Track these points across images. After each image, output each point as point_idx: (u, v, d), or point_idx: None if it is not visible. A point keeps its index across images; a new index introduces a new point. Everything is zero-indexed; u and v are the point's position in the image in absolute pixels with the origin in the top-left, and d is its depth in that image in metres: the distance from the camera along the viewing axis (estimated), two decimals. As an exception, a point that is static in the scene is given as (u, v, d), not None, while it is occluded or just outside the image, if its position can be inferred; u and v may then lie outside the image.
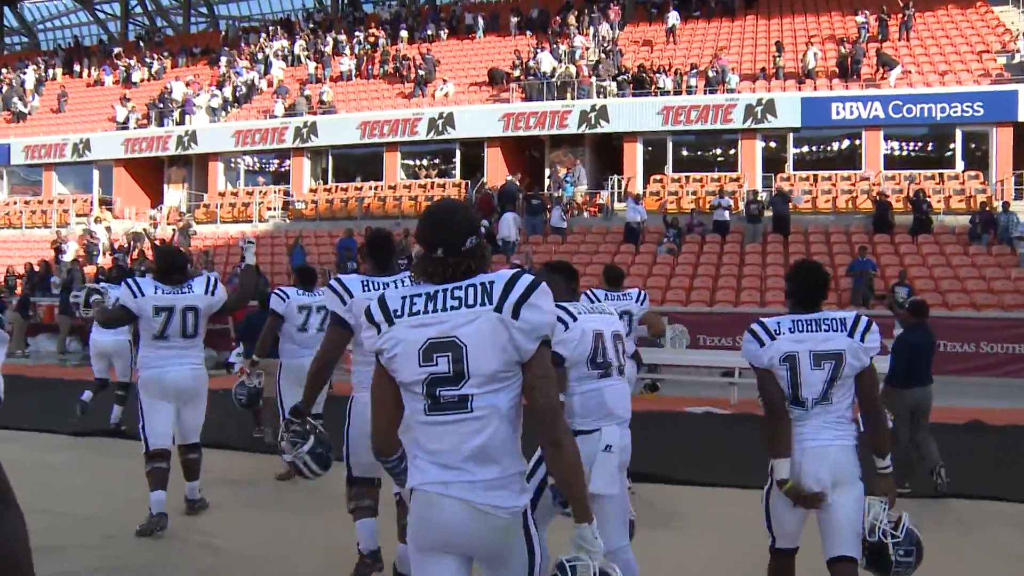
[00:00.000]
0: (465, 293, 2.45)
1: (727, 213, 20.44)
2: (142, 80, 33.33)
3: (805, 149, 24.05)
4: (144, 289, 5.75)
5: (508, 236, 20.30)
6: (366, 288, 4.28)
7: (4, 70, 36.34)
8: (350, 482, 4.64)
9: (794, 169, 22.81)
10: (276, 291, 7.55)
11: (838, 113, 22.03)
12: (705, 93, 23.33)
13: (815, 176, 22.38)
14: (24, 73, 35.66)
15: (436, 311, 2.45)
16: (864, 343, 3.66)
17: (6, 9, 43.98)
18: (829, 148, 24.30)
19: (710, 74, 23.66)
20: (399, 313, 2.49)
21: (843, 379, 3.66)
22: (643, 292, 7.25)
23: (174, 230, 25.35)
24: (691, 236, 20.44)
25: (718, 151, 24.96)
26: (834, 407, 3.68)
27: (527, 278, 2.47)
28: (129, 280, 5.92)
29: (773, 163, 23.03)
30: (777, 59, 24.07)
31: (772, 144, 23.30)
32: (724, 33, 27.22)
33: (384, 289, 3.39)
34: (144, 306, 5.71)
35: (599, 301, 6.90)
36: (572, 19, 27.79)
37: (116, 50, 36.41)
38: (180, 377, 5.86)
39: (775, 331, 3.72)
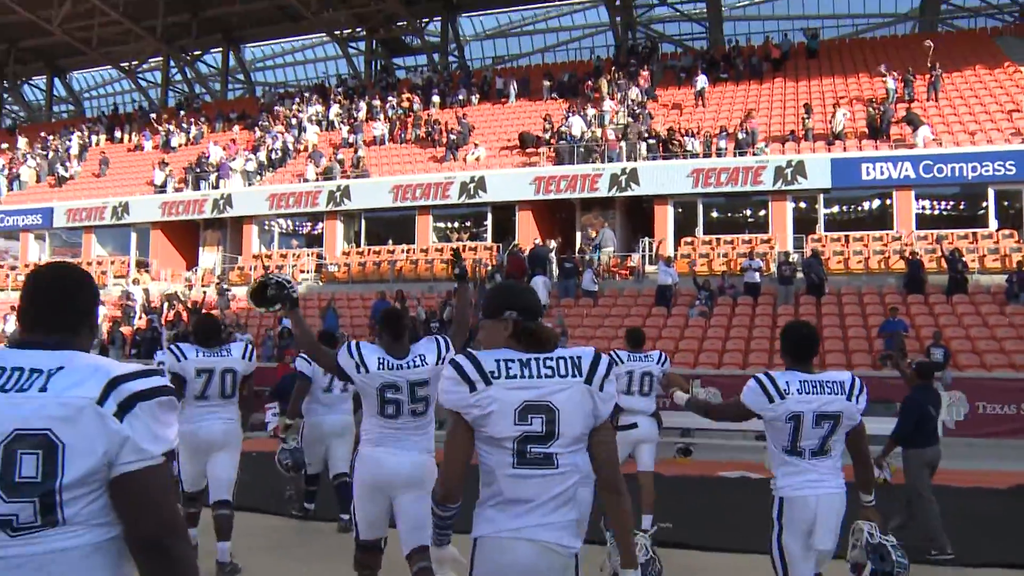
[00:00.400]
0: (557, 364, 2.81)
1: (757, 275, 20.36)
2: (180, 145, 34.09)
3: (836, 210, 24.06)
4: (187, 353, 6.12)
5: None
6: (380, 366, 4.64)
7: (51, 137, 37.33)
8: (358, 545, 4.87)
9: (825, 230, 22.78)
10: (303, 355, 7.79)
11: (868, 173, 22.04)
12: (735, 155, 23.47)
13: (847, 237, 22.30)
14: (69, 139, 36.64)
15: (532, 377, 2.77)
16: (858, 404, 4.12)
17: (55, 79, 45.42)
18: (860, 208, 24.29)
19: (739, 136, 23.81)
20: (496, 375, 2.75)
21: (839, 435, 4.12)
22: (663, 354, 7.65)
23: (211, 290, 25.66)
24: (723, 298, 20.40)
25: (748, 213, 25.04)
26: (830, 457, 4.12)
27: (606, 358, 2.87)
28: (172, 346, 6.29)
29: (804, 224, 23.02)
30: (806, 121, 24.20)
31: (803, 205, 23.34)
32: (752, 96, 27.47)
33: (397, 369, 4.44)
34: (188, 368, 6.10)
35: (622, 362, 7.08)
36: (603, 83, 28.16)
37: (156, 116, 37.29)
38: (212, 430, 6.17)
39: (784, 390, 4.06)
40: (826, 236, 22.39)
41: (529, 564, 2.70)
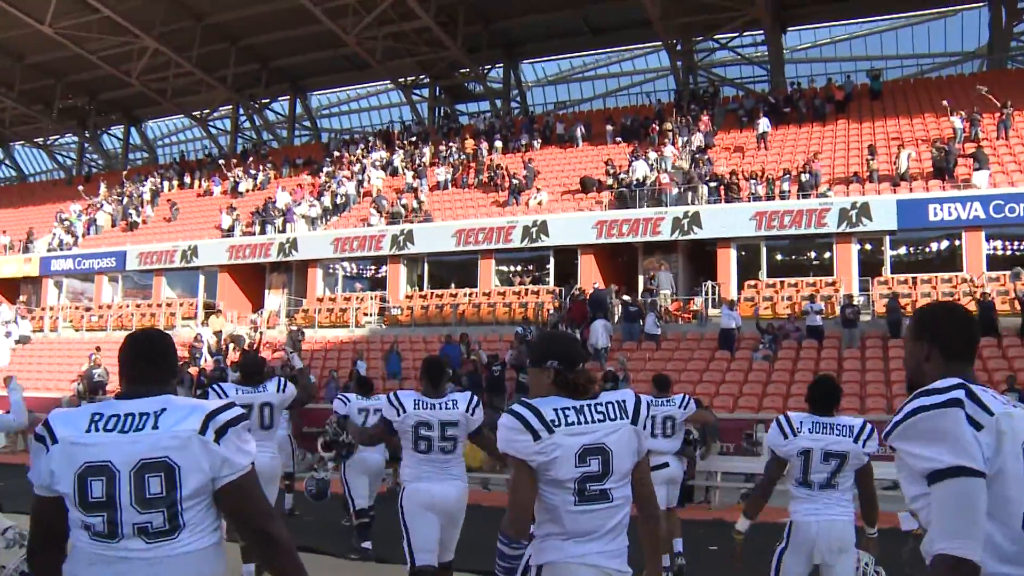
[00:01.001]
0: (607, 409, 3.17)
1: (819, 318, 20.09)
2: (248, 190, 34.90)
3: (902, 251, 23.68)
4: (227, 392, 6.83)
5: (597, 343, 20.41)
6: (417, 406, 5.30)
7: (127, 183, 38.52)
8: (414, 573, 5.33)
9: (892, 272, 22.42)
10: (339, 396, 8.94)
11: (936, 214, 21.64)
12: (798, 198, 23.26)
13: (914, 279, 21.88)
14: (143, 185, 37.78)
15: (587, 423, 3.10)
16: (864, 448, 4.71)
17: (132, 128, 47.02)
18: (928, 250, 23.86)
19: (803, 179, 23.62)
20: (557, 423, 3.07)
21: (846, 472, 4.72)
22: (687, 396, 8.35)
23: (280, 331, 26.08)
24: (787, 342, 20.17)
25: (813, 255, 24.77)
26: (838, 491, 4.74)
27: (645, 399, 3.28)
28: (214, 386, 7.11)
29: (870, 266, 22.67)
30: (870, 162, 23.93)
31: (868, 247, 23.00)
32: (816, 138, 27.27)
33: (431, 408, 5.11)
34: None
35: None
36: (668, 125, 28.23)
37: (225, 162, 38.27)
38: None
39: (797, 429, 4.76)
40: (893, 278, 22.02)
41: None
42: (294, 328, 25.86)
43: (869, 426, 4.78)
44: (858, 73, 32.76)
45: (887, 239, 22.54)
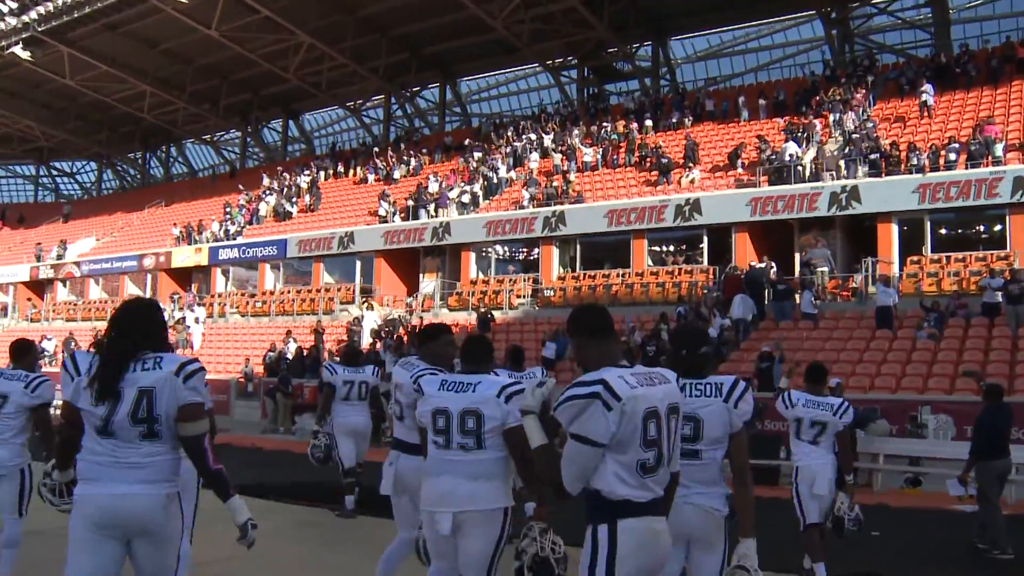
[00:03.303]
0: (704, 388, 4.08)
1: (999, 295, 18.87)
2: (401, 177, 35.76)
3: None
4: (336, 369, 9.59)
5: (738, 315, 20.96)
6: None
7: (286, 174, 40.16)
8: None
9: (1072, 244, 20.91)
10: (326, 365, 10.08)
11: (1125, 180, 20.05)
12: (966, 167, 22.01)
13: (1098, 252, 20.40)
14: (301, 175, 39.31)
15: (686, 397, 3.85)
16: (841, 419, 6.80)
17: (290, 121, 48.96)
18: (1113, 220, 22.24)
19: (972, 147, 22.29)
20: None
21: (827, 434, 6.79)
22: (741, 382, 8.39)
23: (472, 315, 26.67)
24: (954, 320, 19.20)
25: (983, 228, 23.45)
26: (821, 447, 6.81)
27: (742, 384, 4.11)
28: (327, 364, 10.11)
29: (1048, 239, 21.22)
30: (1049, 127, 22.36)
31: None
32: (986, 102, 25.64)
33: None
34: (336, 380, 9.45)
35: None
36: (834, 93, 27.18)
37: (379, 150, 39.34)
38: (357, 421, 9.57)
39: (795, 402, 6.87)
40: (1075, 251, 20.58)
41: (695, 519, 4.00)
42: (481, 309, 26.08)
43: (845, 403, 6.87)
44: (1035, 30, 30.64)
45: (1067, 209, 21.00)
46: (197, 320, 32.54)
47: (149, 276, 39.20)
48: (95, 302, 39.73)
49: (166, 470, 3.60)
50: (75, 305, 40.33)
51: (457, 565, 4.39)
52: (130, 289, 39.74)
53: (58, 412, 4.99)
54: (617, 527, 3.19)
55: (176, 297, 35.70)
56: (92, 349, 5.21)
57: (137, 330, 3.67)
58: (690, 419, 3.89)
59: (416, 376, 4.83)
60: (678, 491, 3.61)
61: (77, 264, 42.02)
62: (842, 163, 23.64)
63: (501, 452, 4.32)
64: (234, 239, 36.66)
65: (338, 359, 11.92)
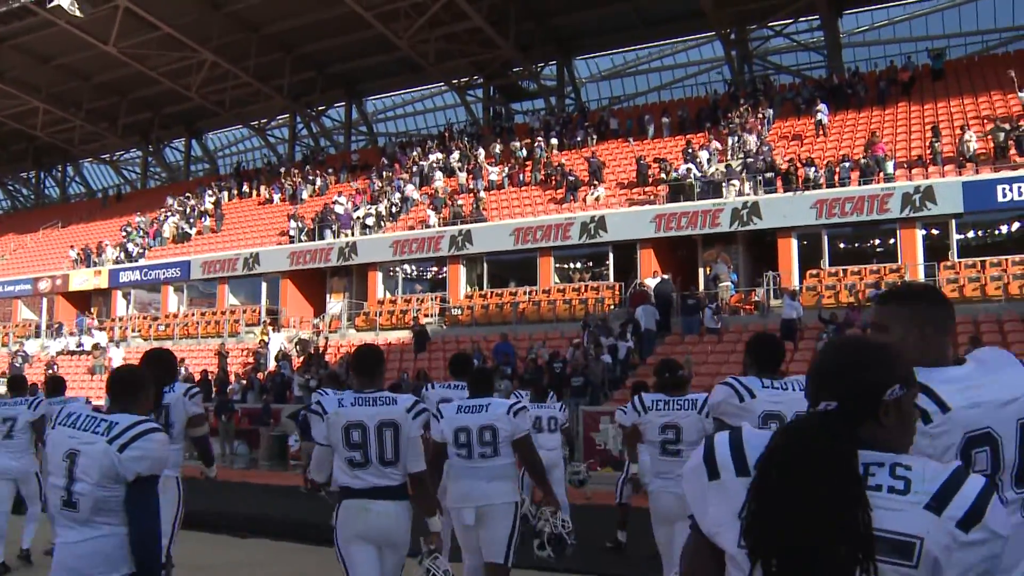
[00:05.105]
0: (683, 403, 5.66)
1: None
2: (308, 197, 35.34)
3: (970, 235, 23.10)
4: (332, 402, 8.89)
5: (644, 324, 21.40)
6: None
7: (188, 195, 39.30)
8: None
9: (959, 256, 21.84)
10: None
11: (1005, 195, 20.95)
12: (859, 184, 22.78)
13: (983, 263, 21.33)
14: (204, 196, 38.53)
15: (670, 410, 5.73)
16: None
17: (193, 141, 47.99)
18: (997, 232, 23.26)
19: (863, 163, 23.09)
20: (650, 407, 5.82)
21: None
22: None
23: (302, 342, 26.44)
24: (851, 330, 19.77)
25: (876, 242, 24.28)
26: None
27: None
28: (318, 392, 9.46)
29: (936, 251, 22.10)
30: (934, 144, 23.29)
31: (934, 232, 22.46)
32: (876, 122, 26.64)
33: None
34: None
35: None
36: (734, 116, 27.81)
37: (284, 170, 38.81)
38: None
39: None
40: (960, 263, 21.49)
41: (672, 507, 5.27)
42: (304, 337, 25.97)
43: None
44: (919, 54, 31.93)
45: (953, 223, 21.93)
46: (117, 345, 31.54)
47: (45, 300, 37.84)
48: (-15, 328, 38.18)
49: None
50: (-36, 331, 38.67)
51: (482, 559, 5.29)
52: (24, 314, 38.32)
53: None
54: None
55: (81, 320, 34.56)
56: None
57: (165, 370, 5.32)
58: (672, 427, 5.60)
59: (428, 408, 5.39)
60: (665, 483, 5.48)
61: (-34, 288, 40.36)
62: (740, 180, 24.17)
63: (511, 458, 5.32)
64: (136, 261, 35.68)
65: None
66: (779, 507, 1.62)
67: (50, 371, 27.64)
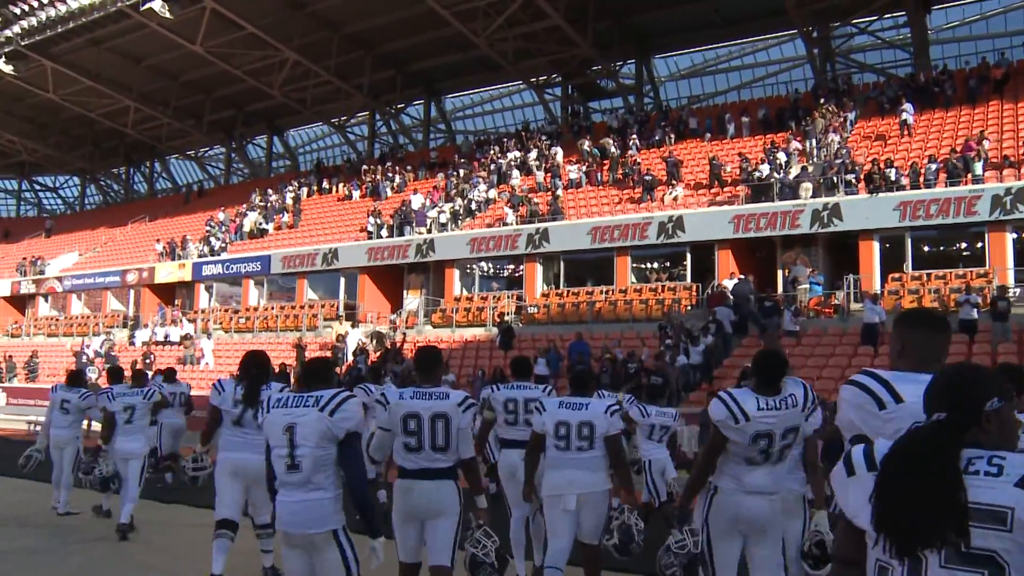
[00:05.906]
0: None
1: (975, 311, 18.98)
2: (392, 193, 35.76)
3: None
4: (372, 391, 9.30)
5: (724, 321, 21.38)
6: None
7: (270, 190, 40.09)
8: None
9: (1051, 261, 21.10)
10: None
11: (1101, 198, 20.26)
12: (946, 186, 22.21)
13: (1077, 268, 20.60)
14: (286, 192, 39.26)
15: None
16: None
17: (275, 138, 48.96)
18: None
19: (952, 165, 22.49)
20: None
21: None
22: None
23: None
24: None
25: (963, 246, 23.65)
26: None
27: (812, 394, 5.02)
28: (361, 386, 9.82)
29: (1027, 255, 21.42)
30: (1026, 146, 22.59)
31: (1024, 236, 21.76)
32: (964, 122, 25.91)
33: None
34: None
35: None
36: (817, 115, 27.32)
37: (364, 167, 39.35)
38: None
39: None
40: (1052, 268, 20.78)
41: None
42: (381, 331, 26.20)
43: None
44: (1013, 49, 30.93)
45: (1045, 226, 21.23)
46: (208, 336, 32.44)
47: (132, 292, 39.04)
48: (77, 317, 39.53)
49: None
50: (56, 320, 40.11)
51: (571, 541, 5.76)
52: (113, 304, 39.55)
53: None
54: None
55: (162, 311, 35.59)
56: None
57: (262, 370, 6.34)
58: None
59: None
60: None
61: (59, 279, 41.81)
62: (815, 183, 23.75)
63: (603, 451, 5.79)
64: (218, 255, 36.55)
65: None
66: (896, 492, 2.09)
67: (147, 360, 28.52)
